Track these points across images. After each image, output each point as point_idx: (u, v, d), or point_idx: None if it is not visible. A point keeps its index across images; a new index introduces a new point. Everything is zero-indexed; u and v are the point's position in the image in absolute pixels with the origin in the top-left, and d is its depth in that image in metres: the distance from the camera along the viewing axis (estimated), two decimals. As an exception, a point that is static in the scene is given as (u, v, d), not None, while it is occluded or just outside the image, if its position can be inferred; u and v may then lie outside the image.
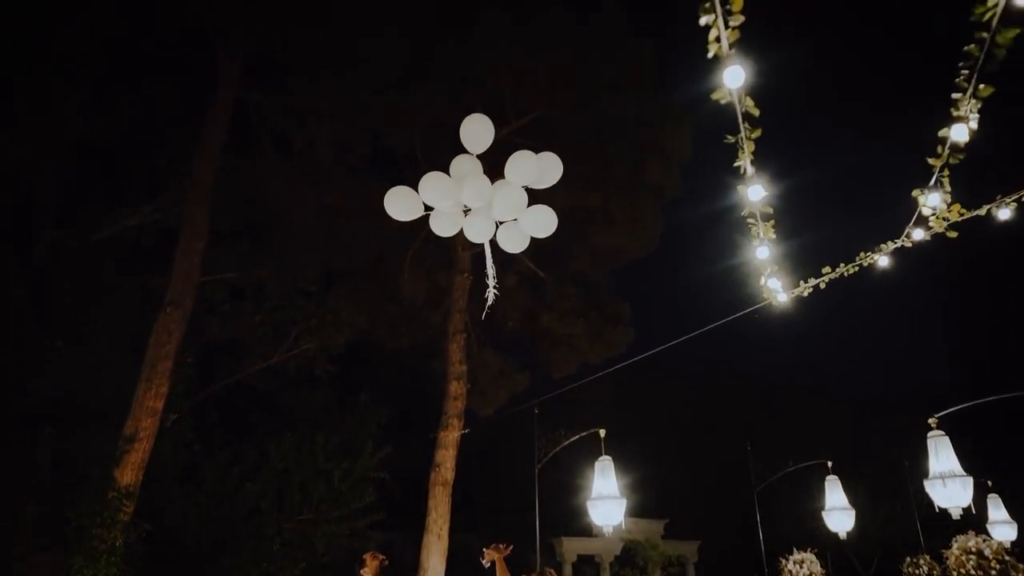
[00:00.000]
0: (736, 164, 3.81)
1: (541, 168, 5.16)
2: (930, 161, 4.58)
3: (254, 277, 15.12)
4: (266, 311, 15.65)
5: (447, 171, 5.24)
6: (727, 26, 2.58)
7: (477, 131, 4.96)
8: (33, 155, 12.88)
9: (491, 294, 5.51)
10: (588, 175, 13.79)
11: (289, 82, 12.66)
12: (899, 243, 6.90)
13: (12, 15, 11.43)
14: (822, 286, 7.82)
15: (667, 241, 14.94)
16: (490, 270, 5.46)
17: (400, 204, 5.31)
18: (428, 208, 5.39)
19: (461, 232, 15.28)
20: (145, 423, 10.47)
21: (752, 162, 3.80)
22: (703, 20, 2.56)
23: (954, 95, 3.63)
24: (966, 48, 3.25)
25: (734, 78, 2.89)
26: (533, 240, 18.04)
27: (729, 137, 3.49)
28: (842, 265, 7.57)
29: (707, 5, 2.49)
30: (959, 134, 3.90)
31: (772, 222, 4.83)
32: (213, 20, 12.36)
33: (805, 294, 7.95)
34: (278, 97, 13.21)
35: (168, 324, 10.92)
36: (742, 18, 2.59)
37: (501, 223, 5.35)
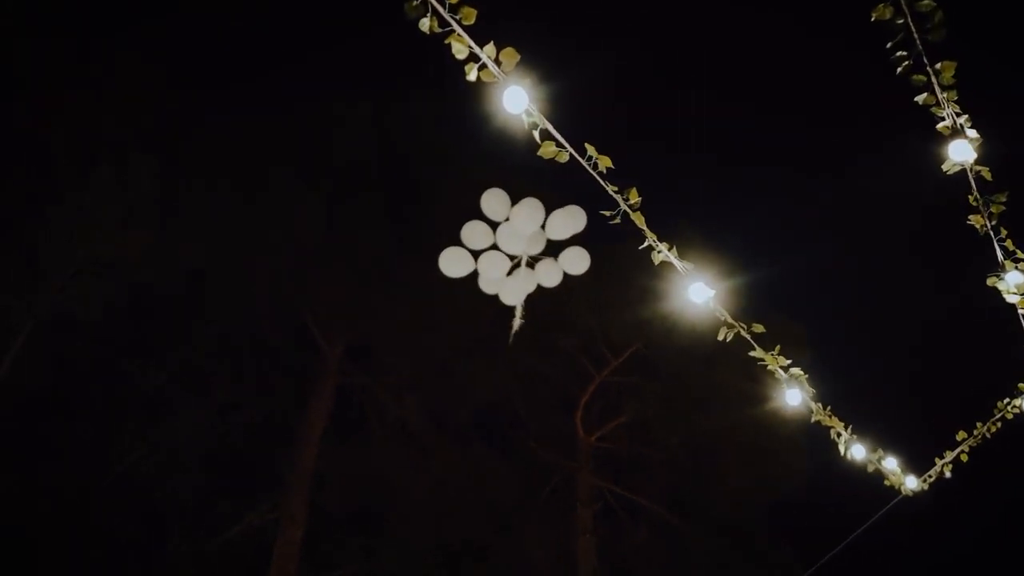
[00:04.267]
0: (653, 254, 2.97)
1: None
2: (973, 223, 3.45)
3: (373, 569, 14.43)
4: (392, 607, 14.63)
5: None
6: (477, 41, 2.06)
7: (495, 203, 5.84)
8: (165, 468, 13.71)
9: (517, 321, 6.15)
10: (701, 403, 12.62)
11: (380, 360, 13.11)
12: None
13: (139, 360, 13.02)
14: (964, 458, 6.05)
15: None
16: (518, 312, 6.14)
17: (453, 263, 6.06)
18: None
19: (578, 486, 14.35)
20: None
21: (675, 254, 2.98)
22: (424, 25, 2.05)
23: (918, 99, 2.73)
24: (874, 15, 2.46)
25: (514, 101, 2.29)
26: (664, 487, 16.11)
27: (607, 214, 2.74)
28: (979, 425, 5.89)
29: (415, 3, 2.00)
30: (961, 153, 2.90)
31: (778, 348, 3.75)
32: (315, 319, 13.39)
33: (947, 475, 6.17)
34: (375, 376, 13.64)
35: (261, 623, 10.23)
36: (473, 14, 2.07)
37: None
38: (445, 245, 12.72)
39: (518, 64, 2.25)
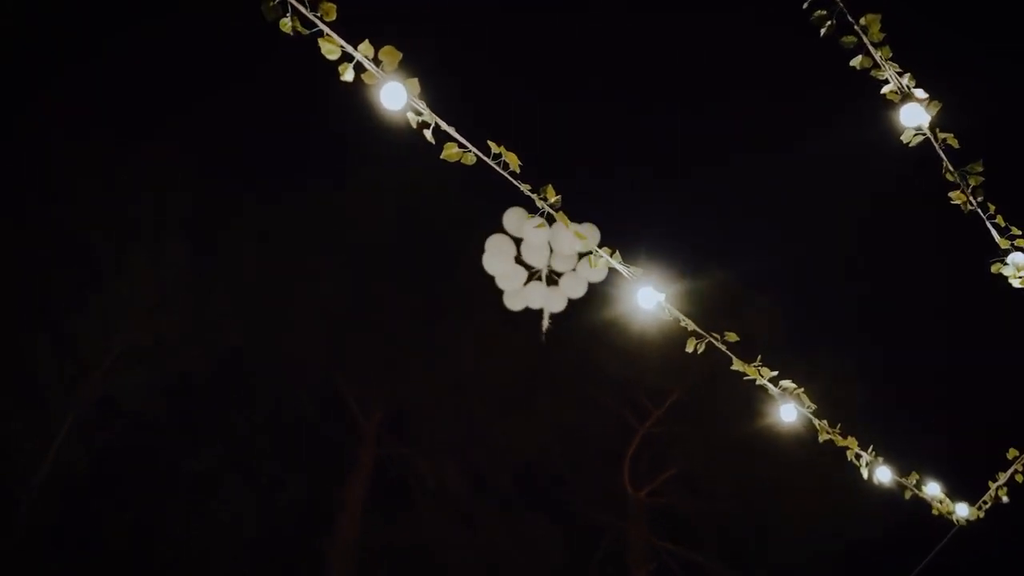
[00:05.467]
0: (590, 258, 2.79)
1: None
2: (955, 201, 3.12)
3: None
4: None
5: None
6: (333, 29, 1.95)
7: (515, 220, 5.96)
8: (213, 549, 13.66)
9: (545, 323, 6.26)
10: (750, 448, 11.99)
11: (418, 427, 12.98)
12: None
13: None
14: (1019, 479, 5.49)
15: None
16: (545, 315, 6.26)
17: (495, 261, 6.16)
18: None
19: (630, 546, 13.66)
20: None
21: (618, 258, 2.79)
22: (285, 26, 1.96)
23: (853, 63, 2.51)
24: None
25: (393, 97, 2.18)
26: (722, 540, 15.35)
27: (529, 217, 2.59)
28: (1030, 441, 5.36)
29: (272, 3, 1.92)
30: (914, 117, 2.64)
31: (759, 358, 3.47)
32: (351, 391, 13.39)
33: (1004, 499, 5.60)
34: (413, 444, 13.48)
35: None
36: (333, 9, 1.99)
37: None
38: (474, 306, 12.62)
39: (402, 63, 2.17)
